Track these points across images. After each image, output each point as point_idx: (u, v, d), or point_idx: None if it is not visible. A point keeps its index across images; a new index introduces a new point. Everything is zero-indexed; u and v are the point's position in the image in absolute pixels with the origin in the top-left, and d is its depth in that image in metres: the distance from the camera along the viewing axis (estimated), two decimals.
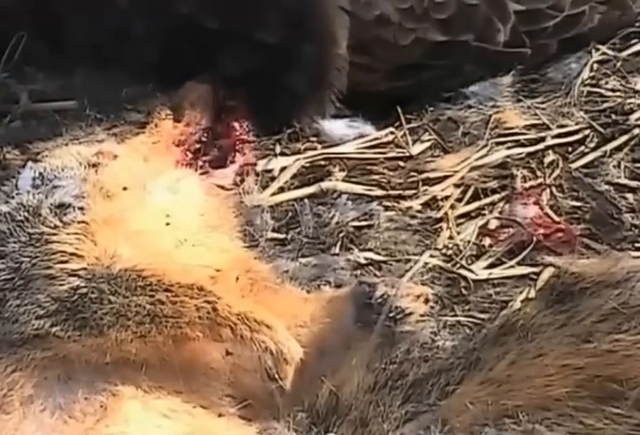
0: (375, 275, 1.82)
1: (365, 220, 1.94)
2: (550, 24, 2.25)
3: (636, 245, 1.91)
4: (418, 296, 1.64)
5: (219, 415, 1.52)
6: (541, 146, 2.12)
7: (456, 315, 1.77)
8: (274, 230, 1.90)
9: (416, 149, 2.10)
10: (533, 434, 1.42)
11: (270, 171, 2.02)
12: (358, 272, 1.83)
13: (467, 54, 2.18)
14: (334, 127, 2.11)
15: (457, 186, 2.03)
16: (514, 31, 2.20)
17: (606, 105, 2.21)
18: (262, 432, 1.48)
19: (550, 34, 2.26)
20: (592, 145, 2.13)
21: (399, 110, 2.15)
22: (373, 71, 2.12)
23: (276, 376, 1.48)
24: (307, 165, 2.05)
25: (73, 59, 2.08)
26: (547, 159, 2.09)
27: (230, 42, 2.01)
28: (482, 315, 1.77)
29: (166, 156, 1.84)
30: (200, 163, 1.89)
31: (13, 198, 1.63)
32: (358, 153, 2.08)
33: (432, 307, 1.70)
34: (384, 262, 1.86)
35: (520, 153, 2.10)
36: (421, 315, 1.64)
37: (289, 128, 2.09)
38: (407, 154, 2.09)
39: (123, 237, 1.57)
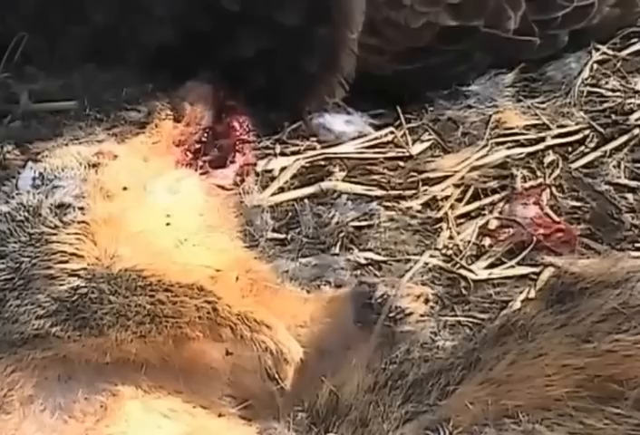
0: (375, 275, 1.82)
1: (365, 220, 1.94)
2: (560, 14, 2.24)
3: (636, 245, 1.91)
4: (418, 296, 1.64)
5: (219, 415, 1.51)
6: (541, 146, 2.12)
7: (456, 315, 1.77)
8: (274, 230, 1.90)
9: (416, 149, 2.10)
10: (533, 434, 1.42)
11: (270, 171, 2.02)
12: (358, 272, 1.83)
13: (476, 40, 2.17)
14: (334, 125, 2.11)
15: (457, 186, 2.03)
16: (524, 19, 2.19)
17: (606, 105, 2.21)
18: (262, 432, 1.48)
19: (560, 25, 2.25)
20: (592, 145, 2.13)
21: (399, 109, 2.15)
22: (381, 52, 2.11)
23: (276, 376, 1.48)
24: (307, 165, 2.05)
25: (74, 56, 2.07)
26: (547, 159, 2.09)
27: (249, 23, 2.00)
28: (482, 315, 1.78)
29: (166, 156, 1.84)
30: (200, 163, 1.88)
31: (13, 198, 1.63)
32: (358, 153, 2.08)
33: (432, 307, 1.70)
34: (384, 262, 1.86)
35: (520, 153, 2.10)
36: (421, 315, 1.63)
37: (295, 116, 2.09)
38: (407, 154, 2.09)
39: (123, 237, 1.57)
